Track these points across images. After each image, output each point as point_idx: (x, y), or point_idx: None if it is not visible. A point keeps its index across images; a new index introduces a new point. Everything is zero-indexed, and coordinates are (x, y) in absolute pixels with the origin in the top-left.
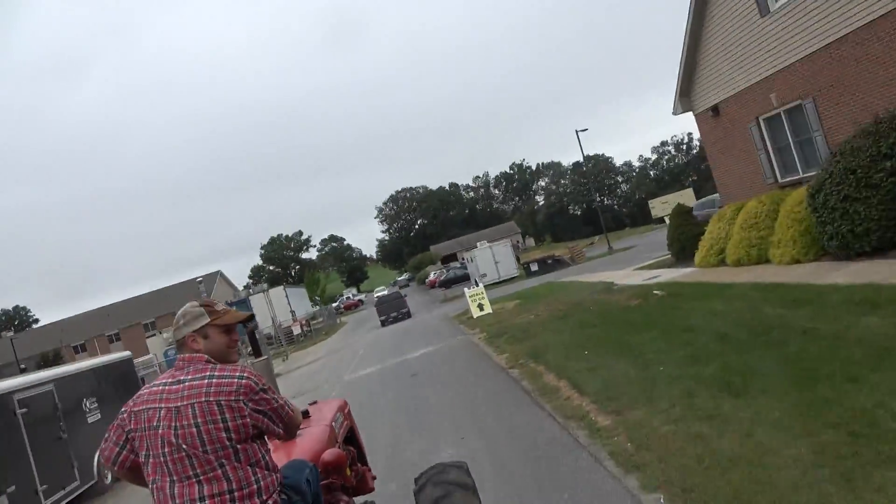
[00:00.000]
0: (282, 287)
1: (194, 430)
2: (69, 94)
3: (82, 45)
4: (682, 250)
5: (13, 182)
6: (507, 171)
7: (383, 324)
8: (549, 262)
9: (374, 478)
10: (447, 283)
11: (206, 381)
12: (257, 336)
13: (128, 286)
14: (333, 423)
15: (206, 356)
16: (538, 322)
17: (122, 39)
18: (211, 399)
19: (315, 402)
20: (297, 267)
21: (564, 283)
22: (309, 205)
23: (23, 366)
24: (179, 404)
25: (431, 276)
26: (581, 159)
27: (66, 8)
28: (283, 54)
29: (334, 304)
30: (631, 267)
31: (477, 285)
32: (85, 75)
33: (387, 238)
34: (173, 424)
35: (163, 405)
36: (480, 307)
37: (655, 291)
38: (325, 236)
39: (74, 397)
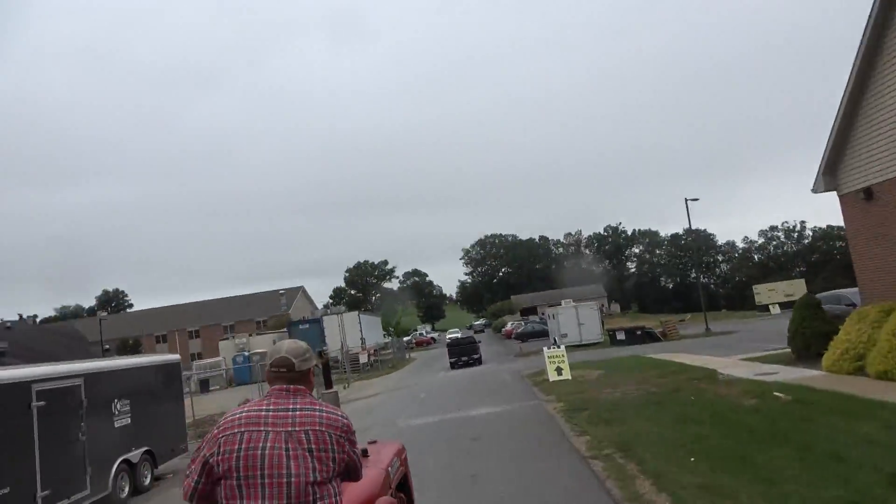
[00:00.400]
0: (356, 312)
1: (307, 454)
2: (196, 102)
3: (215, 59)
4: (806, 348)
5: (133, 177)
6: (602, 232)
7: (453, 366)
8: (639, 332)
9: None
10: (524, 337)
11: (316, 412)
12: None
13: (215, 287)
14: (389, 468)
15: (308, 391)
16: (627, 403)
17: (250, 59)
18: (324, 429)
19: (375, 442)
20: (378, 295)
21: (656, 359)
22: (399, 236)
23: (107, 346)
24: (291, 429)
25: (508, 326)
26: (681, 231)
27: (204, 23)
28: (398, 91)
29: (406, 338)
30: (736, 355)
31: (557, 346)
32: (213, 87)
33: (469, 281)
34: (285, 447)
35: (270, 429)
36: (559, 371)
37: (777, 394)
38: (409, 269)
39: (104, 396)
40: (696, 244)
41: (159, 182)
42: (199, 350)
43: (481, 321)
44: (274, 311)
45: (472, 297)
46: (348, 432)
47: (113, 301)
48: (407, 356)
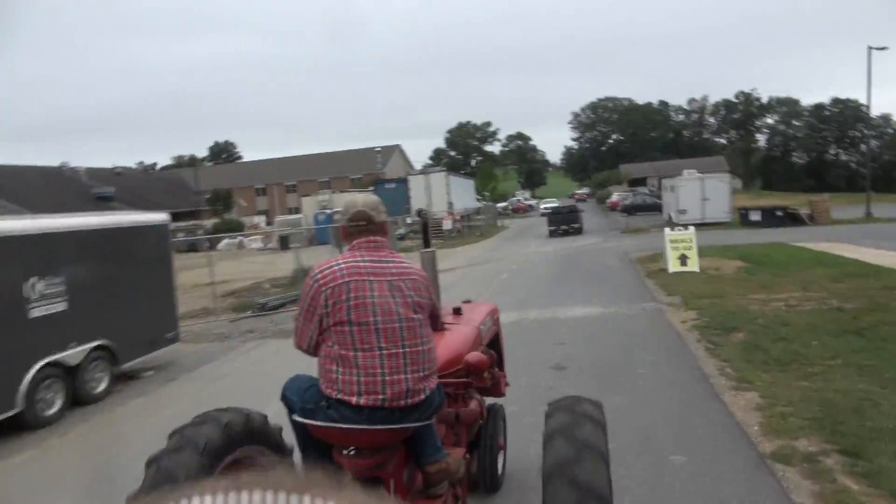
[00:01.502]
0: (444, 173)
1: (409, 300)
2: None
3: None
4: None
5: (251, 33)
6: (731, 99)
7: (551, 234)
8: (779, 213)
9: (508, 385)
10: (631, 210)
11: (406, 263)
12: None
13: (319, 142)
14: (482, 326)
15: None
16: (802, 324)
17: None
18: (417, 278)
19: (469, 301)
20: (479, 158)
21: (815, 251)
22: (505, 97)
23: (207, 195)
24: (390, 279)
25: (614, 198)
26: (827, 100)
27: None
28: None
29: (503, 205)
30: None
31: (684, 227)
32: None
33: (575, 147)
34: (391, 294)
35: (373, 279)
36: (683, 260)
37: None
38: (513, 133)
39: (5, 274)
40: (842, 117)
41: (273, 39)
42: (296, 205)
43: (584, 190)
44: (370, 168)
45: (577, 164)
46: (430, 282)
47: (223, 152)
48: (499, 223)
